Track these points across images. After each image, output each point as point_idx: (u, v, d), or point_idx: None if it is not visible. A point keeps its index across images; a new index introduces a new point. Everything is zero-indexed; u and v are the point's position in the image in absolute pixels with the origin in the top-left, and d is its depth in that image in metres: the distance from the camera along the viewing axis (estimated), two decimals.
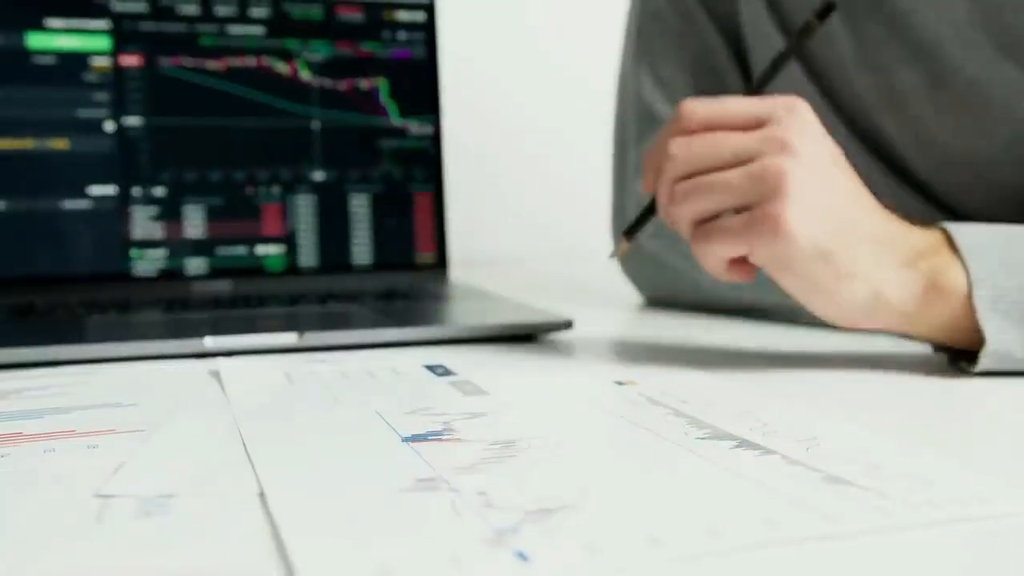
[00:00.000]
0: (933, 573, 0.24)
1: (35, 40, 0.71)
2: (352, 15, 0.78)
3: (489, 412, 0.38)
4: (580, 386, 0.43)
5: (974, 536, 0.25)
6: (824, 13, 0.48)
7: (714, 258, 0.44)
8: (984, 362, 0.43)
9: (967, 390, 0.42)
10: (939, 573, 0.24)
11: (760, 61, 0.66)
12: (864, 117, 0.61)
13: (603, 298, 0.76)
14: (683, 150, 0.44)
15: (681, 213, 0.44)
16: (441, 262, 0.79)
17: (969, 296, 0.42)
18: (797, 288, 0.43)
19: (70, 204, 0.71)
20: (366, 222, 0.78)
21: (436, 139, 0.80)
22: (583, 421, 0.38)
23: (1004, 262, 0.43)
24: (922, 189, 0.61)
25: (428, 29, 0.80)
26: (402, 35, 0.79)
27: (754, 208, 0.42)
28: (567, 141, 1.15)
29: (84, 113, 0.72)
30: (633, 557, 0.23)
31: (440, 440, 0.34)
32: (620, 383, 0.43)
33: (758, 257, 0.43)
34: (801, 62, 0.62)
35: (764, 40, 0.64)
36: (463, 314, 0.65)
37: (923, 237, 0.44)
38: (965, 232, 0.44)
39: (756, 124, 0.44)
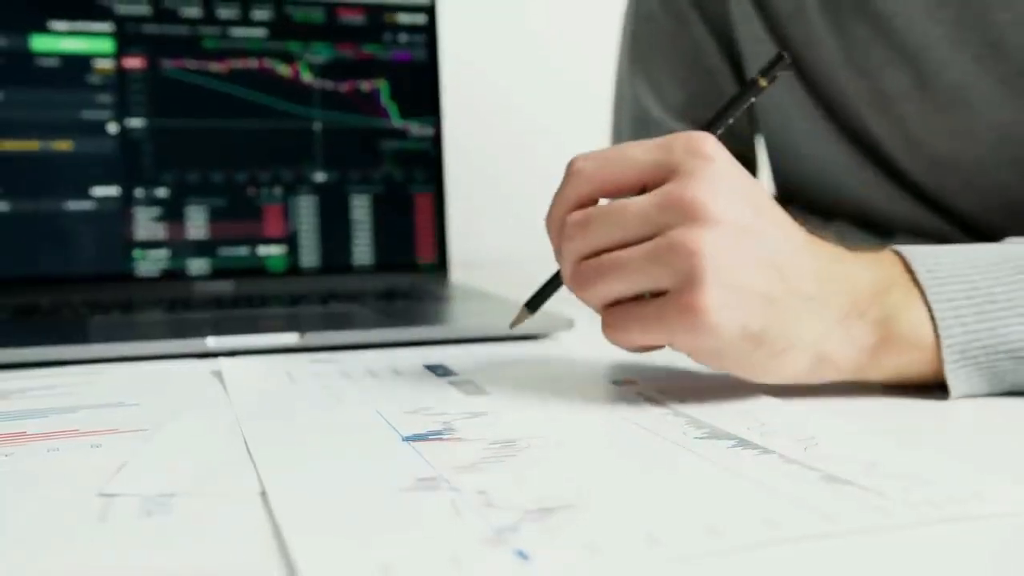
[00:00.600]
0: (932, 572, 0.24)
1: (39, 42, 0.71)
2: (353, 17, 0.79)
3: (489, 412, 0.38)
4: (580, 386, 0.43)
5: (973, 535, 0.26)
6: (769, 69, 0.42)
7: (629, 344, 0.39)
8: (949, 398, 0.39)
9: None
10: (938, 572, 0.24)
11: (752, 62, 0.66)
12: (854, 119, 0.61)
13: None
14: (579, 229, 0.38)
15: (588, 297, 0.39)
16: (442, 263, 0.80)
17: (935, 345, 0.38)
18: (729, 369, 0.38)
19: (74, 205, 0.72)
20: (367, 223, 0.78)
21: (437, 140, 0.80)
22: (583, 421, 0.38)
23: (972, 297, 0.38)
24: (915, 191, 0.61)
25: (429, 31, 0.80)
26: (403, 37, 0.80)
27: (669, 295, 0.36)
28: (567, 142, 1.14)
29: (87, 115, 0.72)
30: (633, 556, 0.24)
31: (440, 440, 0.34)
32: (619, 383, 0.43)
33: (680, 347, 0.38)
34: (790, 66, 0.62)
35: (755, 42, 0.65)
36: (464, 314, 0.65)
37: (871, 273, 0.39)
38: (924, 262, 0.39)
39: (658, 175, 0.37)
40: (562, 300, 0.70)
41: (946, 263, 0.39)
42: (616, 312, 0.39)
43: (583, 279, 0.38)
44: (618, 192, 0.39)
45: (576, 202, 0.39)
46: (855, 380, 0.39)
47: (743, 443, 0.33)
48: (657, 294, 0.37)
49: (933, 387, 0.40)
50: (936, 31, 0.55)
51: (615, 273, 0.37)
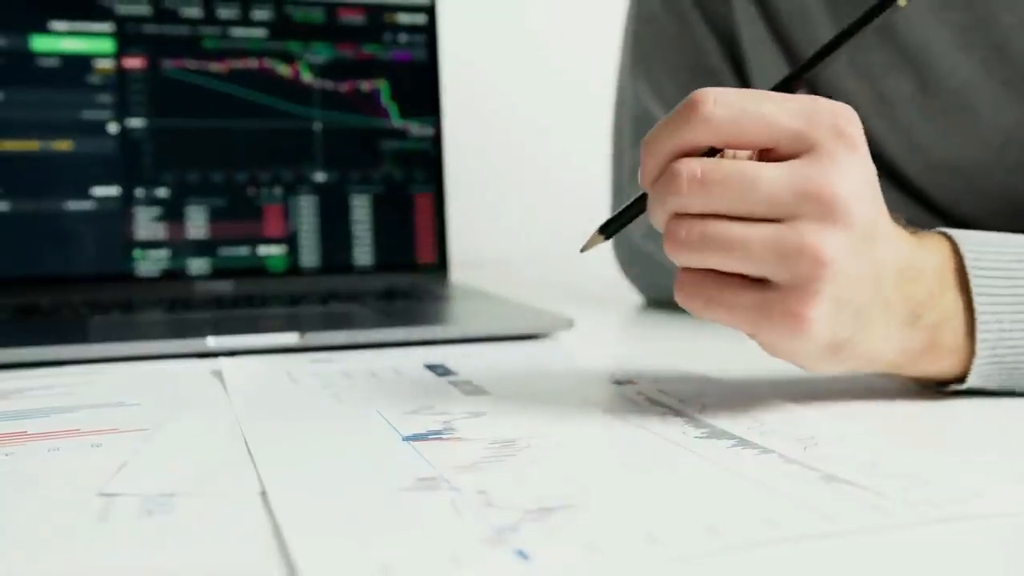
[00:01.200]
0: (931, 572, 0.24)
1: (39, 42, 0.71)
2: (353, 17, 0.79)
3: (489, 412, 0.38)
4: (580, 386, 0.43)
5: (972, 535, 0.26)
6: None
7: (704, 316, 0.37)
8: (953, 390, 0.40)
9: (964, 390, 0.42)
10: (937, 571, 0.24)
11: (755, 63, 0.66)
12: None
13: (603, 299, 0.76)
14: (696, 186, 0.34)
15: (681, 259, 0.36)
16: (442, 263, 0.80)
17: (969, 350, 0.38)
18: (792, 361, 0.37)
19: (74, 205, 0.72)
20: (367, 223, 0.78)
21: (437, 140, 0.80)
22: (583, 420, 0.38)
23: (1016, 300, 0.38)
24: (917, 195, 0.61)
25: (429, 31, 0.80)
26: (403, 37, 0.80)
27: (775, 292, 0.34)
28: (567, 142, 1.15)
29: (88, 115, 0.72)
30: (632, 556, 0.24)
31: (441, 439, 0.34)
32: (619, 383, 0.43)
33: (762, 342, 0.36)
34: (792, 68, 0.62)
35: (757, 43, 0.65)
36: (464, 314, 0.65)
37: (932, 270, 0.38)
38: (979, 264, 0.38)
39: (794, 147, 0.34)
40: (562, 301, 0.71)
41: (999, 268, 0.38)
42: (706, 282, 0.35)
43: (684, 240, 0.35)
44: (744, 148, 0.36)
45: (689, 144, 0.35)
46: (886, 372, 0.39)
47: (743, 443, 0.33)
48: (755, 280, 0.35)
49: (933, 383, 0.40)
50: (941, 35, 0.55)
51: (728, 249, 0.34)
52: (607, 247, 0.76)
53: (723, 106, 0.34)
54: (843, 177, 0.34)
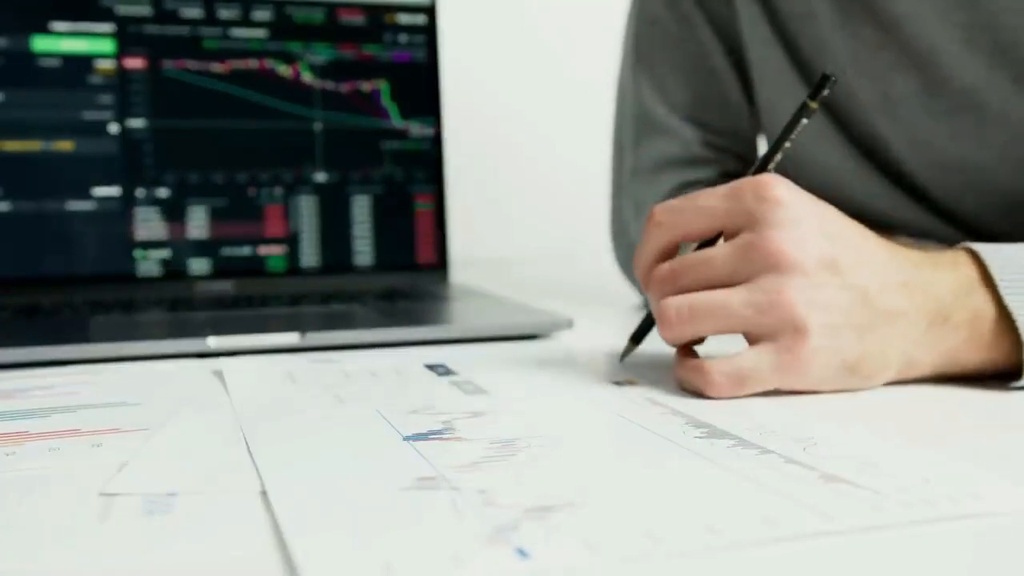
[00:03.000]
0: (929, 570, 0.24)
1: (40, 43, 0.71)
2: (354, 18, 0.79)
3: (490, 411, 0.38)
4: (580, 385, 0.43)
5: (970, 534, 0.26)
6: (818, 91, 0.43)
7: (736, 394, 0.40)
8: (1019, 384, 0.41)
9: (963, 390, 0.42)
10: (935, 570, 0.24)
11: (757, 64, 0.66)
12: (860, 122, 0.61)
13: (603, 298, 0.76)
14: (669, 277, 0.41)
15: (680, 334, 0.41)
16: (442, 263, 0.80)
17: (1013, 335, 0.40)
18: (821, 390, 0.40)
19: (75, 205, 0.72)
20: (368, 223, 0.78)
21: (437, 141, 0.80)
22: (583, 420, 0.38)
23: None
24: (920, 194, 0.61)
25: (429, 32, 0.81)
26: (403, 38, 0.80)
27: (775, 346, 0.39)
28: (567, 143, 1.15)
29: (89, 115, 0.72)
30: (632, 554, 0.24)
31: (441, 439, 0.34)
32: (619, 383, 0.43)
33: (783, 387, 0.40)
34: (796, 68, 0.62)
35: (761, 44, 0.64)
36: (464, 314, 0.65)
37: (949, 274, 0.41)
38: (995, 258, 0.41)
39: (734, 226, 0.40)
40: (562, 300, 0.71)
41: (1017, 260, 0.41)
42: (722, 370, 0.39)
43: (680, 318, 0.41)
44: (696, 239, 0.42)
45: (658, 251, 0.43)
46: (938, 374, 0.42)
47: (743, 443, 0.33)
48: (751, 337, 0.40)
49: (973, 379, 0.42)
50: (947, 35, 0.55)
51: (716, 315, 0.40)
52: (607, 248, 0.76)
53: (668, 211, 0.42)
54: (779, 233, 0.39)
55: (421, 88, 0.80)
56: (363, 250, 0.78)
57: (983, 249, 0.41)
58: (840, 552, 0.24)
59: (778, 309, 0.38)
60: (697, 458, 0.32)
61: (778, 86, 0.64)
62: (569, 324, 0.57)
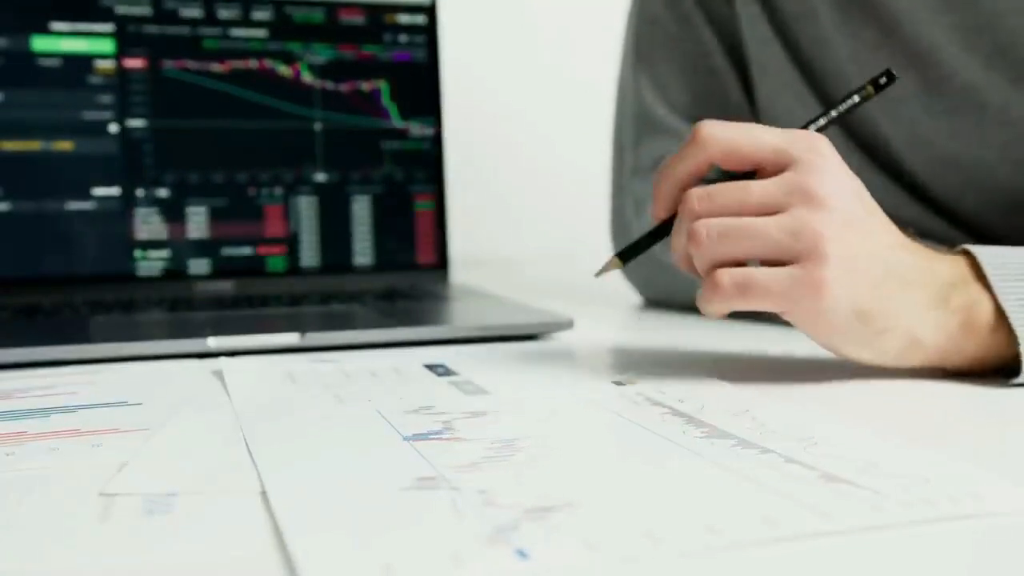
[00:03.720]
0: (929, 570, 0.24)
1: (40, 43, 0.71)
2: (354, 18, 0.79)
3: (489, 411, 0.38)
4: (580, 385, 0.43)
5: (970, 534, 0.26)
6: (879, 83, 0.46)
7: (731, 308, 0.42)
8: (1020, 379, 0.42)
9: (963, 391, 0.42)
10: (935, 571, 0.24)
11: (757, 63, 0.66)
12: (860, 120, 0.61)
13: (603, 298, 0.76)
14: (705, 199, 0.42)
15: (705, 253, 0.41)
16: (442, 263, 0.80)
17: (1007, 328, 0.41)
18: (827, 342, 0.42)
19: (75, 205, 0.72)
20: (368, 223, 0.78)
21: (437, 140, 0.80)
22: (583, 420, 0.38)
23: None
24: (920, 193, 0.61)
25: (429, 32, 0.81)
26: (403, 38, 0.80)
27: (795, 267, 0.40)
28: (567, 142, 1.15)
29: (89, 115, 0.72)
30: (632, 554, 0.24)
31: (441, 439, 0.34)
32: (619, 383, 0.43)
33: (793, 316, 0.41)
34: (796, 66, 0.63)
35: (761, 43, 0.65)
36: (464, 314, 0.65)
37: (948, 266, 0.43)
38: (992, 261, 0.42)
39: (777, 164, 0.41)
40: (562, 300, 0.71)
41: (1013, 262, 0.42)
42: (737, 281, 0.41)
43: (707, 236, 0.41)
44: (736, 165, 0.43)
45: (696, 165, 0.43)
46: (939, 364, 0.43)
47: (743, 443, 0.33)
48: (772, 264, 0.41)
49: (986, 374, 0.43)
50: (946, 35, 0.55)
51: (745, 235, 0.41)
52: (607, 248, 0.76)
53: (720, 129, 0.42)
54: (820, 179, 0.40)
55: (421, 88, 0.80)
56: (363, 250, 0.78)
57: (978, 249, 0.43)
58: (840, 552, 0.24)
59: (810, 236, 0.40)
60: (697, 458, 0.32)
61: (778, 85, 0.64)
62: (569, 324, 0.57)
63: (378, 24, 0.79)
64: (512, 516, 0.26)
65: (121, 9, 0.73)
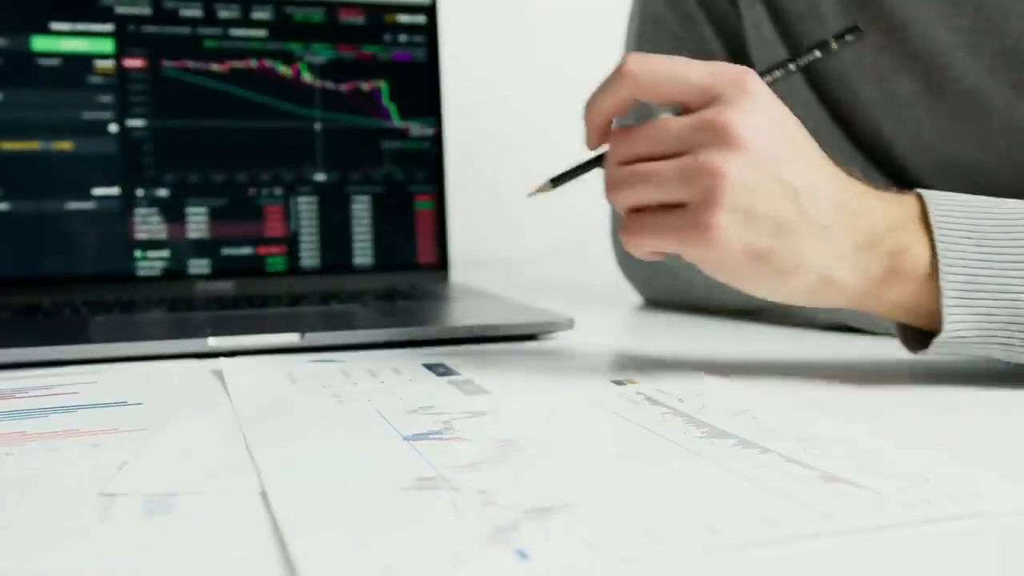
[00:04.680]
0: (930, 571, 0.24)
1: (40, 43, 0.71)
2: (353, 18, 0.79)
3: (489, 411, 0.38)
4: (580, 385, 0.43)
5: (971, 535, 0.26)
6: (843, 35, 0.45)
7: (639, 250, 0.43)
8: (936, 350, 0.41)
9: (963, 391, 0.42)
10: (936, 571, 0.24)
11: (761, 65, 0.66)
12: (863, 122, 0.61)
13: (603, 298, 0.76)
14: (623, 139, 0.42)
15: (616, 199, 0.43)
16: (442, 263, 0.80)
17: (935, 280, 0.40)
18: (734, 282, 0.42)
19: (75, 205, 0.72)
20: (368, 223, 0.78)
21: (437, 140, 0.80)
22: (583, 420, 0.38)
23: (980, 243, 0.40)
24: None
25: (429, 31, 0.81)
26: (403, 37, 0.80)
27: (686, 208, 0.40)
28: (567, 143, 1.15)
29: (88, 115, 0.72)
30: (632, 555, 0.24)
31: (441, 439, 0.34)
32: (619, 382, 0.43)
33: (689, 257, 0.41)
34: (806, 77, 0.63)
35: (765, 45, 0.65)
36: (464, 314, 0.65)
37: (891, 209, 0.41)
38: (940, 205, 0.41)
39: (701, 101, 0.41)
40: (562, 300, 0.71)
41: (961, 210, 0.41)
42: (636, 218, 0.42)
43: (616, 183, 0.42)
44: (660, 103, 0.42)
45: (618, 100, 0.43)
46: (857, 307, 0.42)
47: (743, 443, 0.33)
48: (678, 207, 0.40)
49: (910, 337, 0.42)
50: (951, 39, 0.55)
51: (644, 181, 0.41)
52: (607, 248, 0.76)
53: (645, 64, 0.42)
54: (738, 114, 0.39)
55: (421, 88, 0.80)
56: (363, 250, 0.78)
57: (930, 194, 0.42)
58: (840, 552, 0.24)
59: (700, 174, 0.39)
60: (697, 458, 0.32)
61: (781, 86, 0.64)
62: (569, 324, 0.57)
63: (378, 24, 0.79)
64: (512, 516, 0.26)
65: (121, 9, 0.73)
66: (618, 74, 0.42)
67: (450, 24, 0.88)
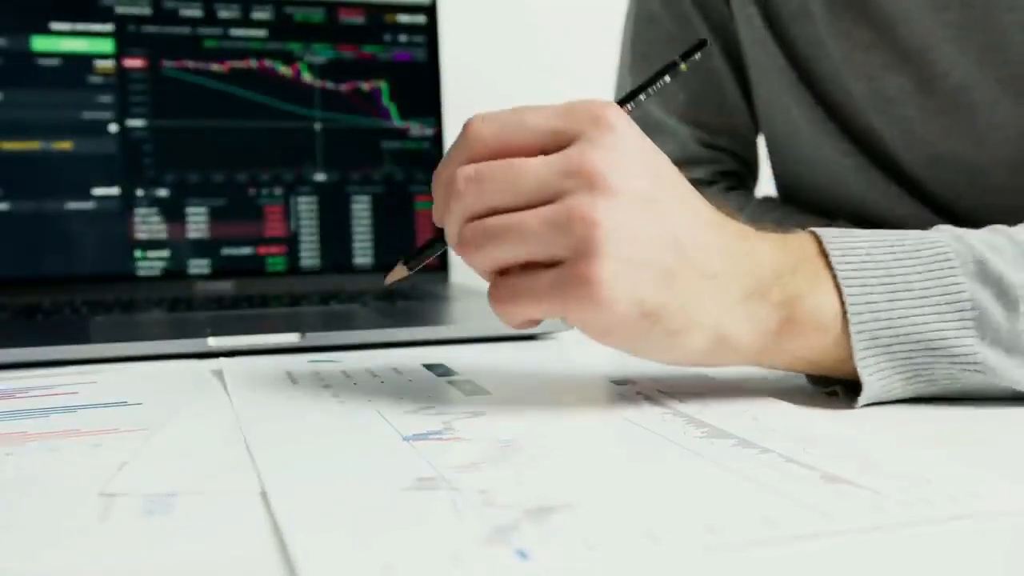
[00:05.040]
0: (930, 571, 0.24)
1: (40, 43, 0.71)
2: (354, 18, 0.79)
3: (489, 411, 0.38)
4: (580, 385, 0.43)
5: (971, 535, 0.26)
6: (690, 53, 0.41)
7: (516, 319, 0.37)
8: (863, 401, 0.38)
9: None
10: (936, 571, 0.24)
11: (754, 63, 0.66)
12: (856, 118, 0.61)
13: None
14: (472, 185, 0.36)
15: (475, 261, 0.37)
16: (442, 263, 0.80)
17: (842, 330, 0.36)
18: (623, 346, 0.37)
19: (75, 205, 0.72)
20: (367, 223, 0.78)
21: (437, 140, 0.80)
22: (582, 420, 0.38)
23: (887, 284, 0.37)
24: (917, 191, 0.61)
25: (429, 31, 0.81)
26: (403, 37, 0.80)
27: (563, 265, 0.35)
28: None
29: (88, 115, 0.72)
30: (632, 555, 0.24)
31: (441, 439, 0.34)
32: (619, 382, 0.43)
33: (573, 321, 0.36)
34: (793, 67, 0.63)
35: (759, 45, 0.65)
36: (464, 314, 0.65)
37: (778, 253, 0.37)
38: (838, 244, 0.37)
39: (558, 143, 0.36)
40: None
41: (862, 247, 0.37)
42: (507, 283, 0.36)
43: (472, 241, 0.36)
44: (514, 157, 0.37)
45: (467, 164, 0.37)
46: (758, 365, 0.38)
47: (743, 443, 0.33)
48: (549, 265, 0.35)
49: (846, 391, 0.39)
50: (939, 34, 0.55)
51: (509, 236, 0.35)
52: None
53: (490, 122, 0.36)
54: (601, 154, 0.35)
55: (421, 88, 0.80)
56: (363, 250, 0.78)
57: (824, 232, 0.38)
58: (840, 552, 0.24)
59: (577, 225, 0.34)
60: (697, 458, 0.32)
61: (776, 85, 0.64)
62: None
63: (378, 24, 0.79)
64: (512, 516, 0.26)
65: (121, 9, 0.73)
66: (463, 136, 0.37)
67: (450, 24, 0.88)
